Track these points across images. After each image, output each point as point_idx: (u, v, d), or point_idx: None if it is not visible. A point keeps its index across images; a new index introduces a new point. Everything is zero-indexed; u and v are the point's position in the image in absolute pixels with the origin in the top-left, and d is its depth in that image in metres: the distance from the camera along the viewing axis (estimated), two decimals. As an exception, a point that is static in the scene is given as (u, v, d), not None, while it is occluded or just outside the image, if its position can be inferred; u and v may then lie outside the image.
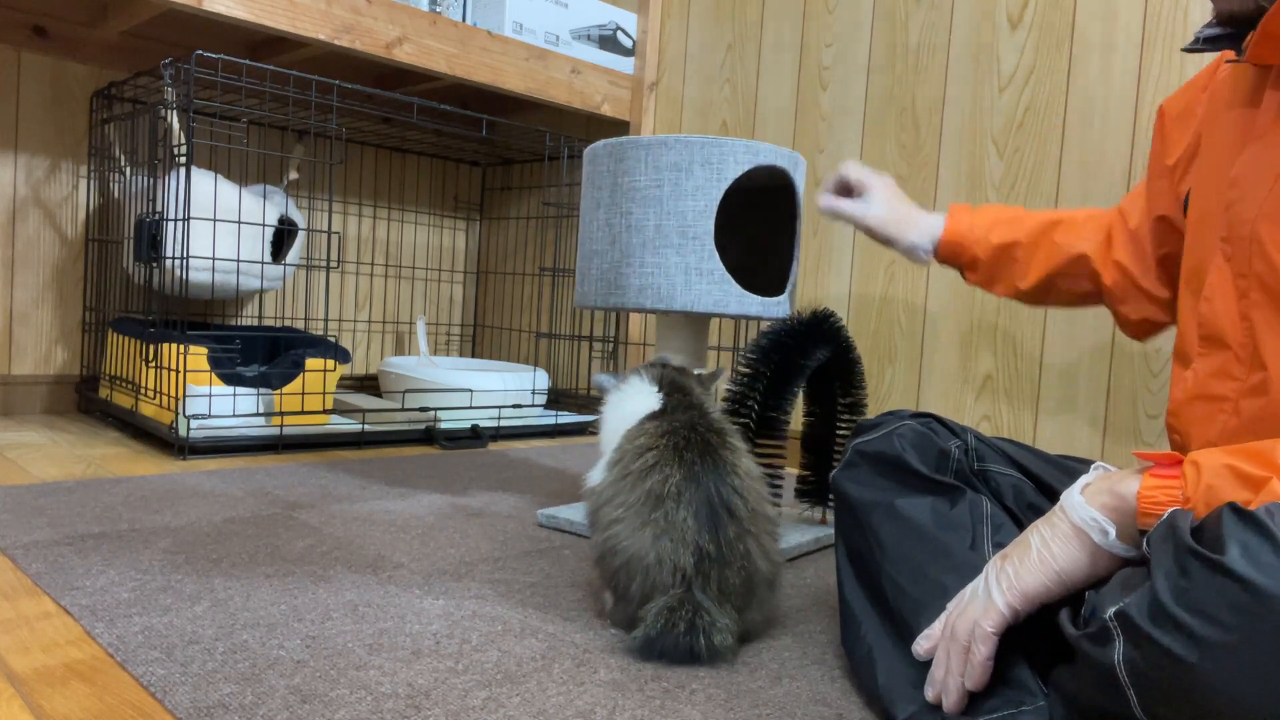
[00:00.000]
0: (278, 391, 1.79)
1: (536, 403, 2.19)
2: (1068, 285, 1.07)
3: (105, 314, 2.00)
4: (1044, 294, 1.09)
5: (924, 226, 1.15)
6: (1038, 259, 1.07)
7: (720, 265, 1.23)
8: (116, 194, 1.98)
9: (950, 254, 1.13)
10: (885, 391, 1.80)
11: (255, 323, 2.27)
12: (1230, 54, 0.79)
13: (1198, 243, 0.80)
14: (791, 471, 1.57)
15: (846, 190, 1.21)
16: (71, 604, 0.88)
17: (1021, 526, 0.81)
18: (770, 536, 0.88)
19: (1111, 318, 1.07)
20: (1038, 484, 0.87)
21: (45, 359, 2.00)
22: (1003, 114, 1.64)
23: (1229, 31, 0.75)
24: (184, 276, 1.70)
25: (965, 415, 1.68)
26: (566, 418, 2.20)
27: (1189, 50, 0.78)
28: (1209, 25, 0.76)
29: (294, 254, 2.08)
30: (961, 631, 0.66)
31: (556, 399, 2.41)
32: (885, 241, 1.17)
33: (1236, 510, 0.53)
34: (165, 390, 1.70)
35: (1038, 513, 0.81)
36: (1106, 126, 1.52)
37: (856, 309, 1.85)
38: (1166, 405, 0.85)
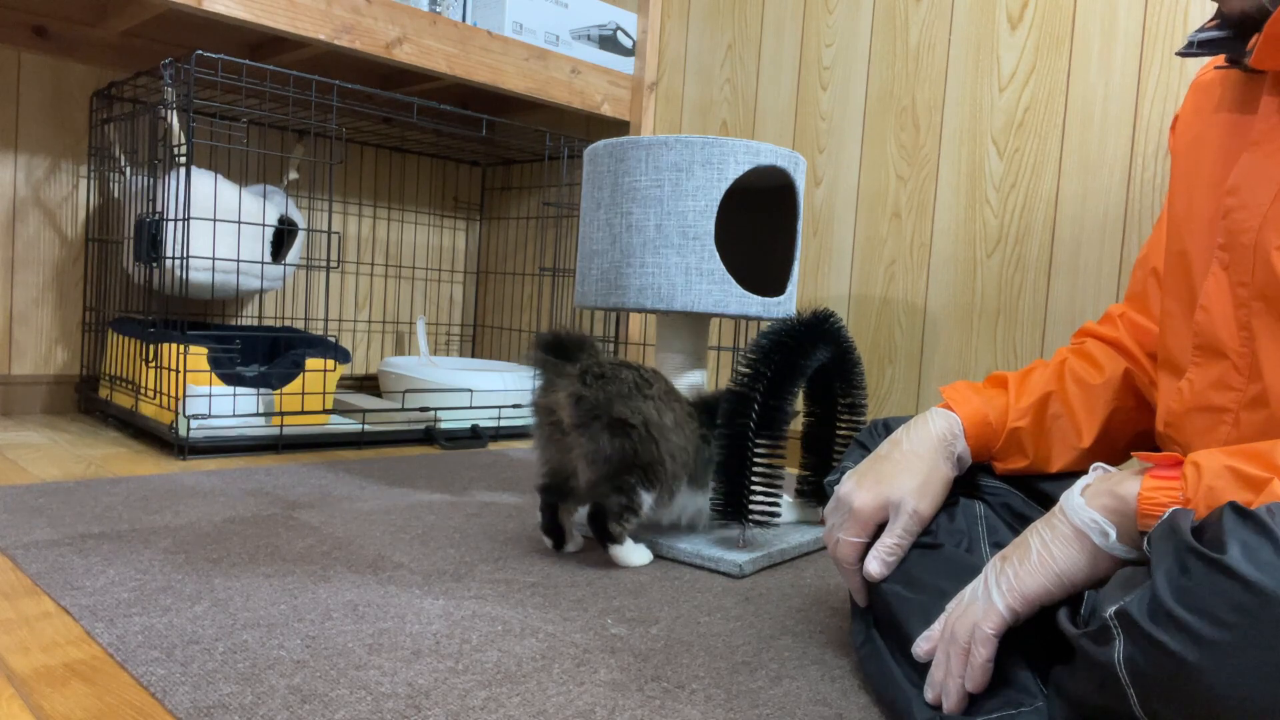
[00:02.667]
0: (278, 391, 1.79)
1: (536, 403, 2.19)
2: (1125, 421, 0.87)
3: (105, 314, 2.00)
4: (1108, 443, 0.87)
5: (923, 451, 0.83)
6: (1083, 404, 0.86)
7: (721, 265, 1.23)
8: (116, 194, 1.98)
9: (982, 443, 0.86)
10: (885, 391, 1.80)
11: (255, 323, 2.27)
12: (1220, 59, 0.78)
13: (1183, 247, 0.78)
14: (792, 472, 1.56)
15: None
16: (71, 604, 0.88)
17: (1014, 533, 0.81)
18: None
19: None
20: (1028, 491, 0.87)
21: (45, 359, 2.00)
22: (1003, 113, 1.64)
23: (1225, 35, 0.74)
24: (184, 276, 1.70)
25: (965, 415, 1.67)
26: (566, 418, 2.20)
27: (1182, 54, 0.77)
28: (1203, 29, 0.75)
29: (294, 254, 2.08)
30: (961, 633, 0.66)
31: (556, 399, 2.41)
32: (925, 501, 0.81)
33: (1237, 509, 0.53)
34: (165, 390, 1.70)
35: (1025, 522, 0.80)
36: (1106, 126, 1.52)
37: (856, 309, 1.85)
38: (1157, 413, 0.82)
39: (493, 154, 2.58)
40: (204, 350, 1.71)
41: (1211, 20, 0.74)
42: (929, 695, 0.69)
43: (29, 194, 1.95)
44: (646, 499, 1.11)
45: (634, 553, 1.14)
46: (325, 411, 1.86)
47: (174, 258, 1.70)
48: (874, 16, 1.82)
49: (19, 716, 0.67)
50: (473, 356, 2.71)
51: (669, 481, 1.13)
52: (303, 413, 1.80)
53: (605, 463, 1.09)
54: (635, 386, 1.10)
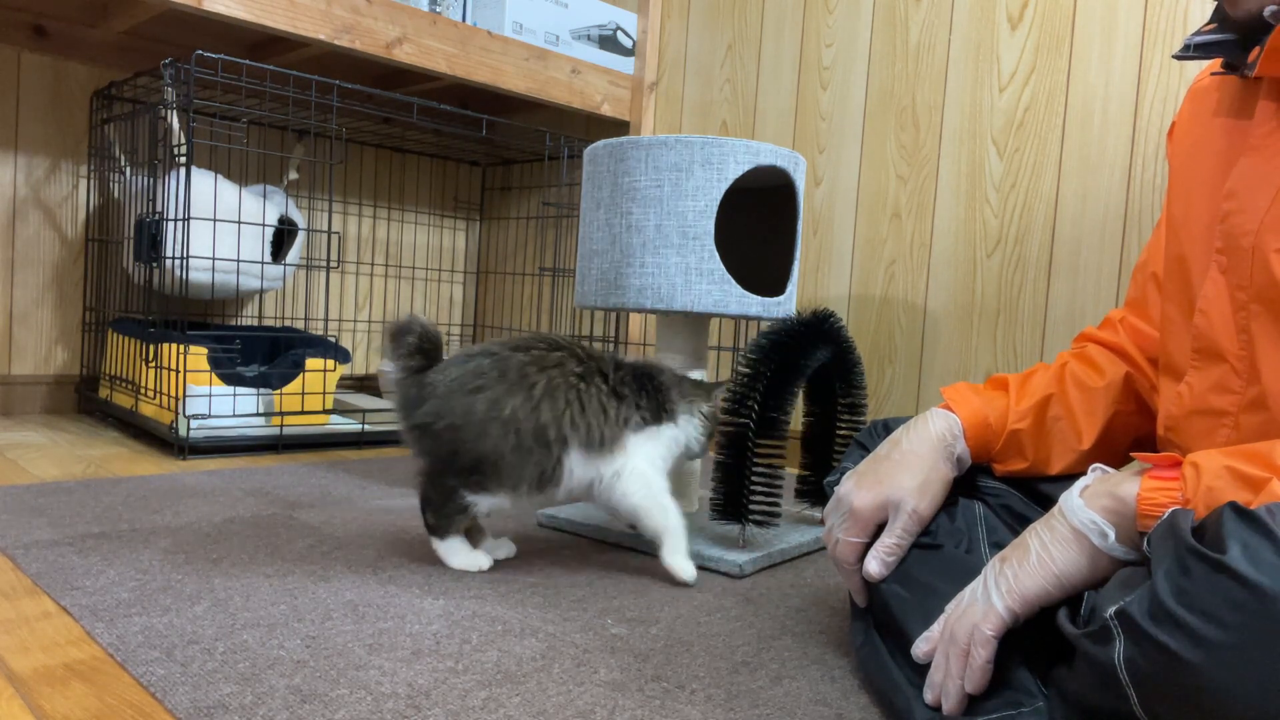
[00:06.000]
0: (278, 391, 1.79)
1: (536, 403, 2.19)
2: (1125, 424, 0.87)
3: (105, 314, 2.00)
4: (1108, 446, 0.87)
5: (919, 449, 0.82)
6: (1083, 407, 0.86)
7: (720, 265, 1.23)
8: (116, 194, 1.98)
9: (982, 444, 0.85)
10: (885, 391, 1.80)
11: (255, 323, 2.27)
12: (1216, 64, 0.78)
13: (1181, 251, 0.78)
14: (791, 472, 1.56)
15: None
16: (71, 604, 0.88)
17: (1014, 534, 0.81)
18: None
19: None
20: (1028, 492, 0.87)
21: (45, 359, 2.00)
22: (1003, 114, 1.64)
23: (1223, 38, 0.74)
24: (184, 276, 1.70)
25: (965, 415, 1.67)
26: (566, 418, 2.20)
27: (1179, 57, 0.77)
28: (1199, 32, 0.75)
29: (294, 254, 2.08)
30: (961, 635, 0.66)
31: (556, 399, 2.40)
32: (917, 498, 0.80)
33: (1237, 509, 0.53)
34: (165, 390, 1.70)
35: (1025, 523, 0.80)
36: (1106, 126, 1.52)
37: (856, 309, 1.85)
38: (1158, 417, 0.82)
39: (493, 154, 2.58)
40: (204, 350, 1.71)
41: (1209, 24, 0.74)
42: (928, 696, 0.69)
43: (29, 194, 1.95)
44: (481, 500, 1.04)
45: (452, 554, 1.08)
46: (325, 411, 1.86)
47: (174, 258, 1.70)
48: (874, 16, 1.82)
49: (19, 716, 0.67)
50: (473, 356, 2.70)
51: (518, 475, 1.03)
52: (303, 413, 1.80)
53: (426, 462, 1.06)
54: (461, 381, 1.03)
